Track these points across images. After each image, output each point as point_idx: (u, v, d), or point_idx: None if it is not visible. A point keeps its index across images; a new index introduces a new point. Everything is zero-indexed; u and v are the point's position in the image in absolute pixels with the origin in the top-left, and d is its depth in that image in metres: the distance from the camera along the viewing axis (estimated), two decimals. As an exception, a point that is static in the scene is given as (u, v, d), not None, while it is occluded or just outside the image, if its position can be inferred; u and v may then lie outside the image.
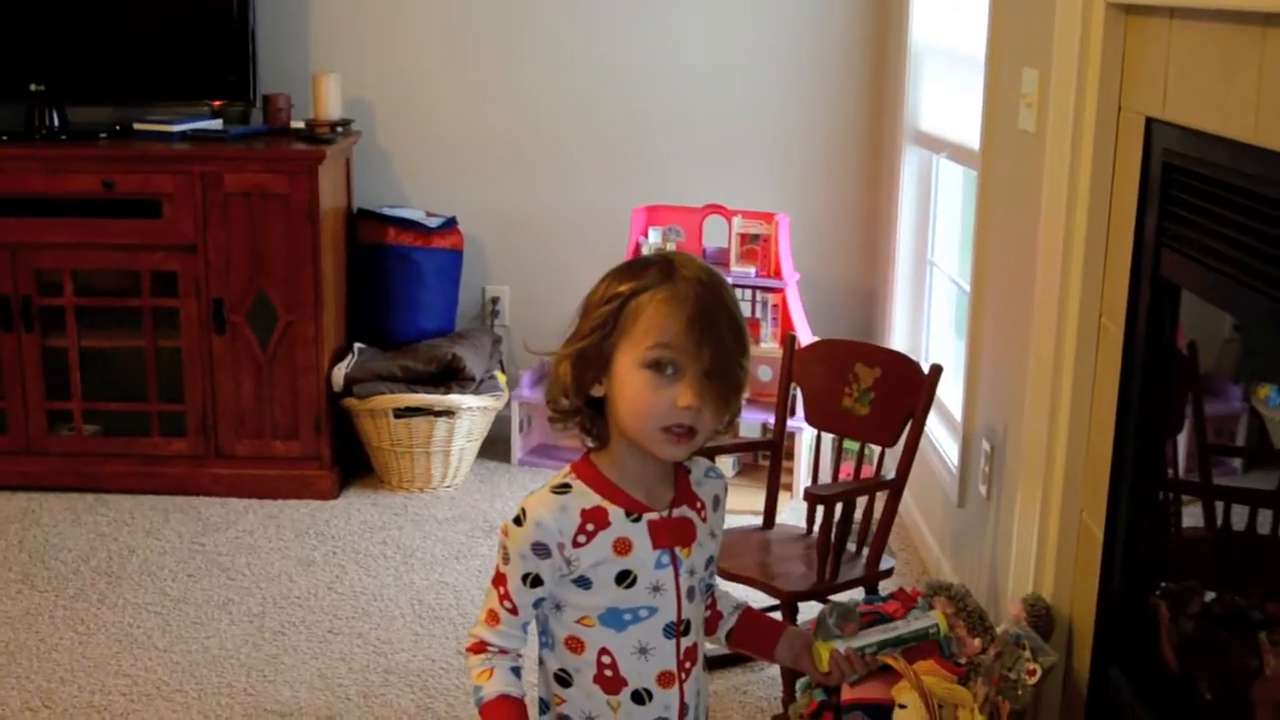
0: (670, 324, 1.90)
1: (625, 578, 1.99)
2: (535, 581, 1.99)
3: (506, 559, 2.00)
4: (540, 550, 1.97)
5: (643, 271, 1.95)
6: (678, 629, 2.04)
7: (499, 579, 2.02)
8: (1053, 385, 2.98)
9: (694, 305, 1.90)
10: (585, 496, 1.99)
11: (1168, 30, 2.48)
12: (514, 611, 2.01)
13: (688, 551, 2.04)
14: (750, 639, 2.25)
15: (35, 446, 4.96)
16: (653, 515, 2.01)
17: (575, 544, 1.97)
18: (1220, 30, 2.24)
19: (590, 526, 1.98)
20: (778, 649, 2.19)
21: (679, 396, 1.90)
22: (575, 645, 2.03)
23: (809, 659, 2.13)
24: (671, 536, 2.02)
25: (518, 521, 1.98)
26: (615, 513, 1.99)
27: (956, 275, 4.63)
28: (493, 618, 2.03)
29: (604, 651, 2.02)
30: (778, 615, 3.43)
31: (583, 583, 1.99)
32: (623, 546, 1.98)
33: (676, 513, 2.04)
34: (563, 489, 2.00)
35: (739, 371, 1.95)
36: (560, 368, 2.00)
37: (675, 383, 1.90)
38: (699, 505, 2.08)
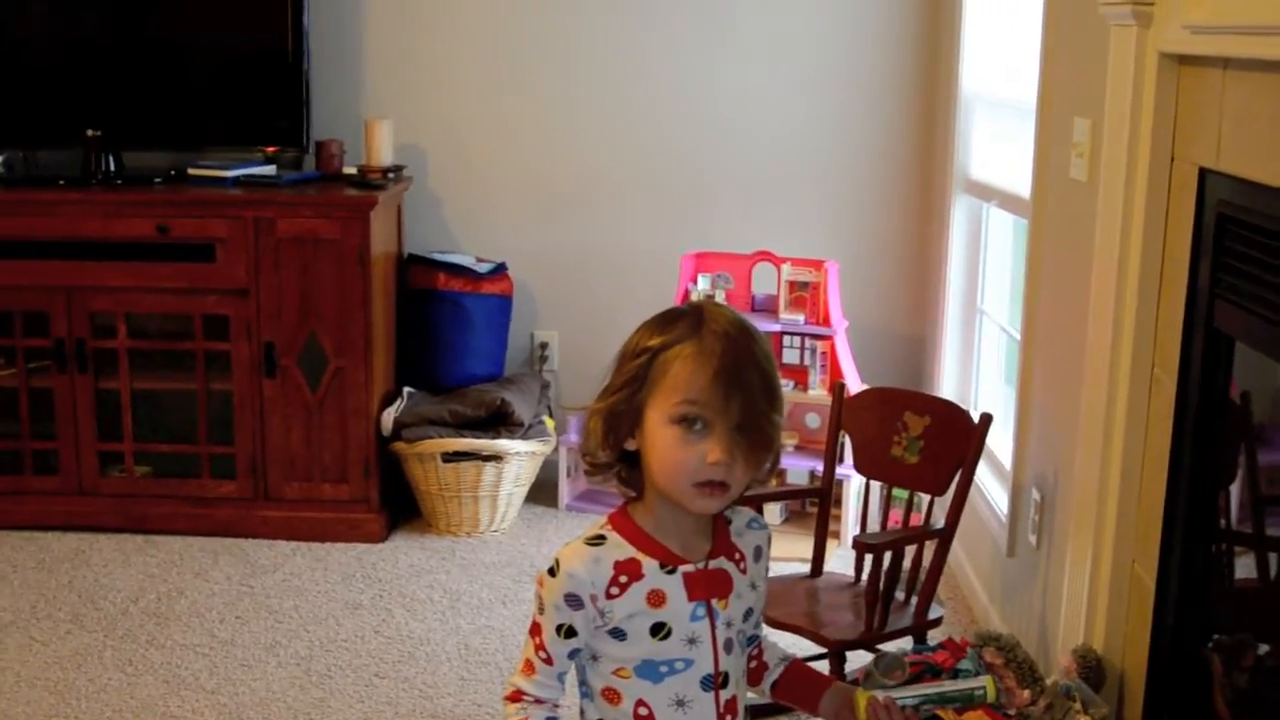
0: (697, 379, 1.89)
1: (660, 630, 1.98)
2: (569, 633, 1.98)
3: (541, 609, 2.00)
4: (573, 601, 1.96)
5: (672, 325, 1.95)
6: (716, 681, 2.03)
7: (534, 629, 2.02)
8: (1104, 435, 2.96)
9: (721, 360, 1.89)
10: (620, 548, 1.99)
11: (1221, 81, 2.47)
12: (549, 662, 2.01)
13: (724, 604, 2.03)
14: (795, 691, 2.22)
15: (86, 487, 5.00)
16: (688, 567, 2.00)
17: (608, 595, 1.96)
18: (1274, 81, 2.24)
19: (624, 578, 1.97)
20: (822, 702, 2.16)
21: (709, 452, 1.89)
22: (612, 696, 2.02)
23: (851, 713, 2.11)
24: (707, 589, 2.01)
25: (551, 572, 1.98)
26: (649, 564, 1.98)
27: (1006, 323, 4.61)
28: (529, 668, 2.02)
29: (640, 703, 2.01)
30: (825, 664, 3.42)
31: (617, 634, 1.98)
32: (656, 599, 1.98)
33: (713, 564, 2.03)
34: (597, 540, 2.00)
35: (769, 426, 1.93)
36: (592, 422, 2.00)
37: (705, 438, 1.89)
38: (738, 556, 2.07)
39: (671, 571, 1.99)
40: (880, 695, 2.07)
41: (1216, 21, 2.40)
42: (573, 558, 1.98)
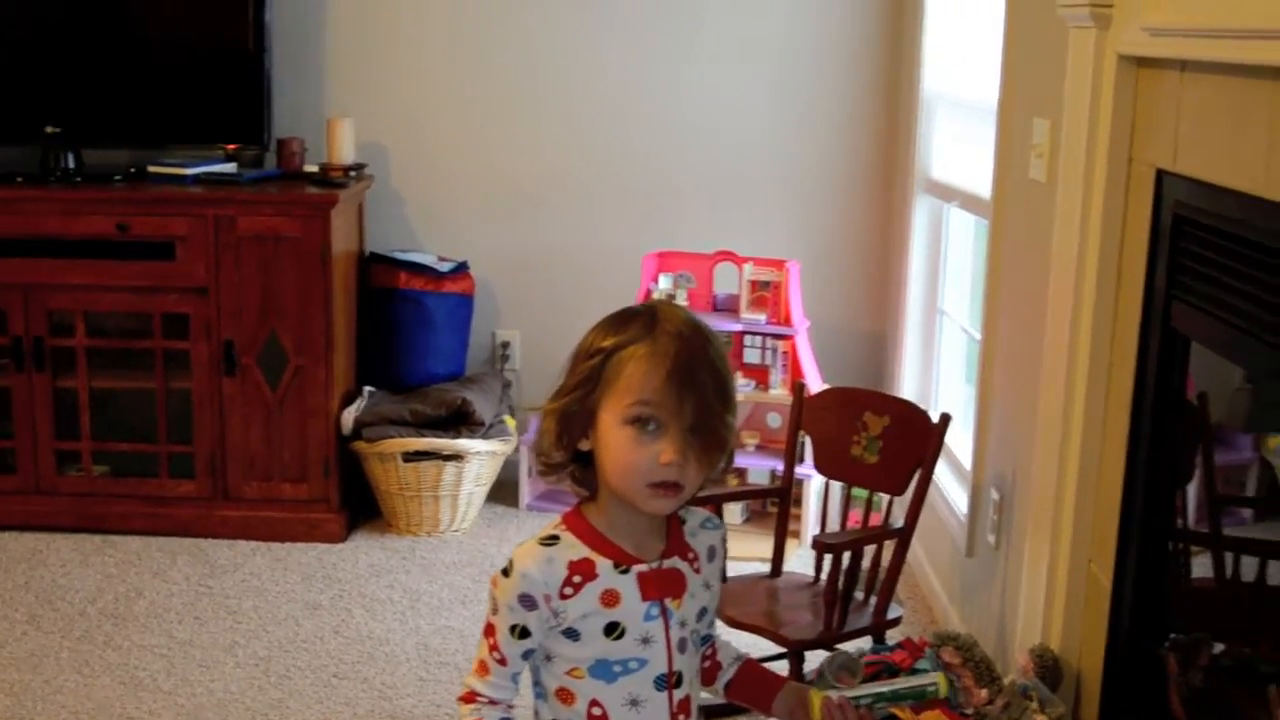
0: (651, 380, 1.89)
1: (613, 629, 1.98)
2: (523, 633, 1.98)
3: (495, 610, 2.00)
4: (526, 602, 1.96)
5: (626, 325, 1.95)
6: (669, 681, 2.03)
7: (489, 630, 2.02)
8: (1062, 435, 2.97)
9: (674, 361, 1.89)
10: (573, 548, 1.99)
11: (1179, 83, 2.49)
12: (503, 662, 2.01)
13: (678, 603, 2.03)
14: (748, 691, 2.23)
15: (44, 486, 4.97)
16: (642, 567, 2.00)
17: (562, 596, 1.96)
18: (1231, 83, 2.25)
19: (577, 578, 1.97)
20: (776, 702, 2.17)
21: (661, 453, 1.89)
22: (566, 696, 2.02)
23: (805, 713, 2.11)
24: (660, 588, 2.01)
25: (505, 573, 1.98)
26: (603, 564, 1.98)
27: (967, 324, 4.63)
28: (483, 668, 2.02)
29: (594, 703, 2.01)
30: (784, 664, 3.42)
31: (571, 634, 1.98)
32: (610, 598, 1.98)
33: (667, 564, 2.03)
34: (551, 540, 2.00)
35: (722, 427, 1.93)
36: (546, 422, 2.00)
37: (658, 439, 1.89)
38: (692, 556, 2.07)
39: (625, 571, 1.99)
40: (834, 695, 2.08)
41: (1174, 24, 2.41)
42: (526, 558, 1.97)
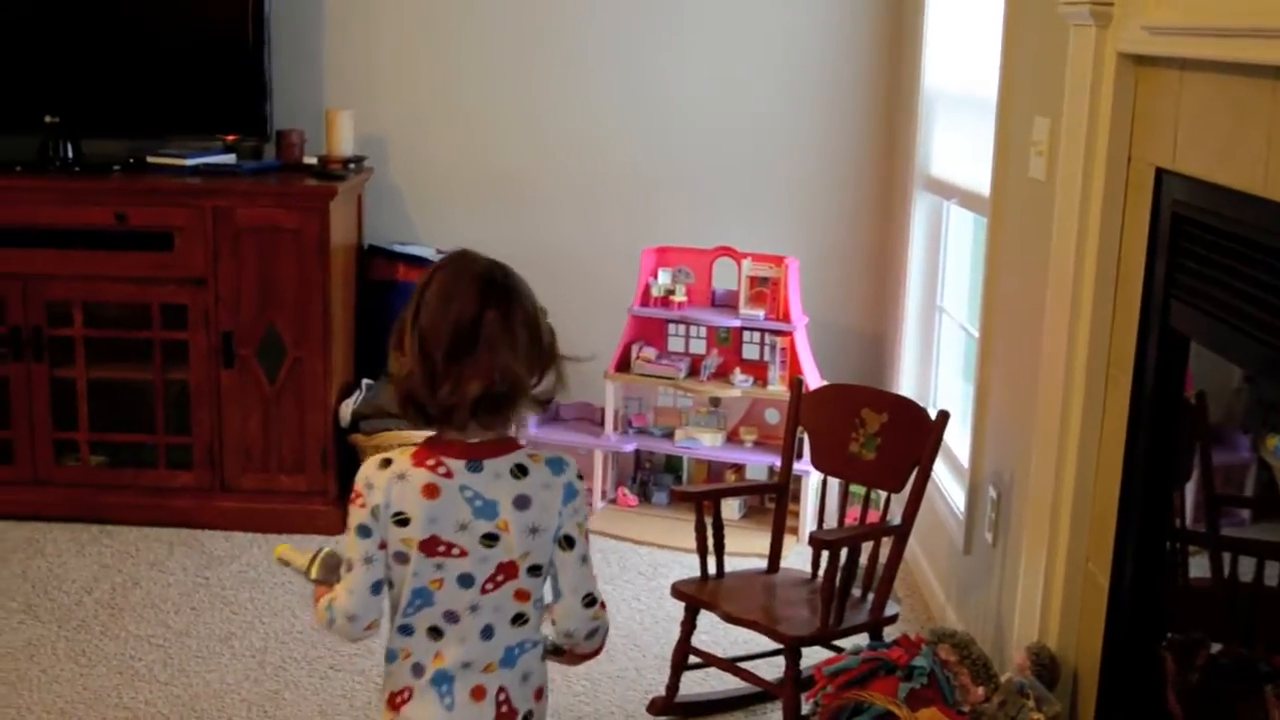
0: None
1: None
2: None
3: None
4: None
5: None
6: None
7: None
8: (1060, 433, 2.97)
9: None
10: None
11: (1179, 82, 2.49)
12: None
13: None
14: None
15: (41, 476, 4.97)
16: None
17: None
18: (1231, 83, 2.25)
19: None
20: None
21: None
22: None
23: None
24: None
25: None
26: None
27: (965, 321, 4.63)
28: None
29: None
30: (780, 660, 3.43)
31: None
32: None
33: None
34: None
35: None
36: None
37: None
38: None
39: None
40: None
41: (1175, 23, 2.41)
42: None
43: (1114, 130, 2.74)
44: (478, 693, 2.24)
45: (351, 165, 5.09)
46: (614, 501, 5.20)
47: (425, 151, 5.48)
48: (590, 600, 2.30)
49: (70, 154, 5.04)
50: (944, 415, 3.51)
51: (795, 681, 3.36)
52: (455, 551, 2.19)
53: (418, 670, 2.26)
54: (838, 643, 3.51)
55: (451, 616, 2.23)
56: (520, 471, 2.23)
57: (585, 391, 5.21)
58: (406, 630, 2.26)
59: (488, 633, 2.24)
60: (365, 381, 5.09)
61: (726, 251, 5.10)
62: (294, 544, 2.53)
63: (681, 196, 5.44)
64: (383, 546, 2.22)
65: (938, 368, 4.87)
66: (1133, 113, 2.72)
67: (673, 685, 3.67)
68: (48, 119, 5.00)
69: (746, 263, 5.03)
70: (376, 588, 2.24)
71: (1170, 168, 2.52)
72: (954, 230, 4.78)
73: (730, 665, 3.63)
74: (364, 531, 2.22)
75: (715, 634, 3.99)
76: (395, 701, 2.28)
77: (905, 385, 4.94)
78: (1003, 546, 3.60)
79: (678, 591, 3.62)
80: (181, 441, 4.94)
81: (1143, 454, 2.66)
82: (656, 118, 5.40)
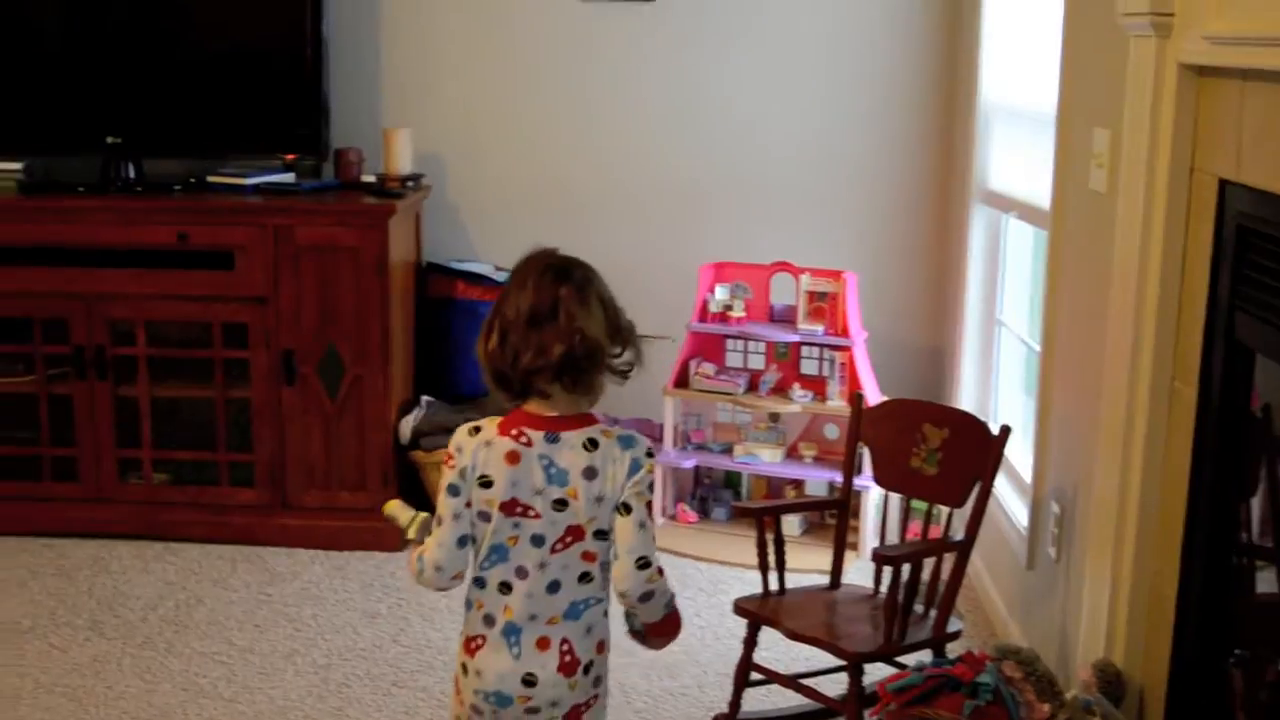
0: None
1: None
2: None
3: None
4: None
5: None
6: None
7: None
8: (1124, 447, 2.95)
9: None
10: None
11: (1240, 92, 2.46)
12: None
13: None
14: None
15: (105, 494, 5.01)
16: None
17: None
18: (1295, 92, 2.23)
19: None
20: None
21: None
22: None
23: None
24: None
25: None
26: None
27: (1025, 334, 4.60)
28: None
29: None
30: (843, 676, 3.41)
31: None
32: None
33: None
34: None
35: None
36: None
37: None
38: None
39: None
40: None
41: (1236, 32, 2.39)
42: None
43: (1176, 142, 2.72)
44: (543, 643, 2.45)
45: (409, 183, 5.12)
46: (673, 518, 5.19)
47: (482, 169, 5.50)
48: (644, 563, 2.48)
49: (132, 174, 5.10)
50: (1005, 430, 3.49)
51: (858, 698, 3.34)
52: (531, 513, 2.42)
53: (489, 621, 2.47)
54: (900, 659, 3.49)
55: (521, 572, 2.44)
56: (591, 445, 2.45)
57: (644, 408, 5.21)
58: (480, 583, 2.48)
59: (554, 587, 2.45)
60: (425, 398, 5.11)
61: (784, 266, 5.08)
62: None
63: (738, 211, 5.43)
64: (469, 505, 2.45)
65: (998, 382, 4.84)
66: (1195, 124, 2.70)
67: (735, 702, 3.66)
68: (109, 140, 5.06)
69: (804, 277, 5.01)
70: (462, 541, 2.47)
71: (1234, 179, 2.50)
72: (1012, 243, 4.75)
73: (792, 682, 3.61)
74: (453, 490, 2.47)
75: (777, 650, 3.97)
76: (470, 646, 2.50)
77: (965, 399, 4.91)
78: (1066, 561, 3.57)
79: (740, 608, 3.61)
80: (243, 459, 4.98)
81: (1209, 468, 2.64)
82: (713, 132, 5.41)
